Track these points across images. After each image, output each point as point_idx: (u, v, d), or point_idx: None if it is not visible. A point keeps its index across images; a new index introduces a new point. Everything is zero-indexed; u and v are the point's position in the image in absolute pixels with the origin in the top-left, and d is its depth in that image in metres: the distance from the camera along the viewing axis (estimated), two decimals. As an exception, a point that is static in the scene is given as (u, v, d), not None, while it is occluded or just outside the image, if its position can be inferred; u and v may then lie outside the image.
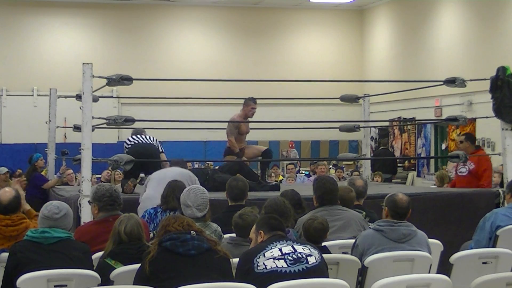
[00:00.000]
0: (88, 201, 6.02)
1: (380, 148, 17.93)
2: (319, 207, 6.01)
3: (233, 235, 5.35)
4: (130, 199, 7.54)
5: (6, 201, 5.74)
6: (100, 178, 12.64)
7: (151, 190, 7.23)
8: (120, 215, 5.51)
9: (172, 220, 4.55)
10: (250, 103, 9.67)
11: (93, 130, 7.73)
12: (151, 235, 5.96)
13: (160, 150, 8.93)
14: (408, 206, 5.37)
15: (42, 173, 11.42)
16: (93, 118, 7.61)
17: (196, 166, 15.67)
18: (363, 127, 11.16)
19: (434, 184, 12.28)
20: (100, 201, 5.64)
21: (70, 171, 12.41)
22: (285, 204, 5.82)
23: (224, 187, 6.69)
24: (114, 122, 7.92)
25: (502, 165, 9.33)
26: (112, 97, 18.25)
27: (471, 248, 6.23)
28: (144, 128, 12.08)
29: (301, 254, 4.42)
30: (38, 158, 11.47)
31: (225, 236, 5.51)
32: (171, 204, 6.25)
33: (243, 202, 6.48)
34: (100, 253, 4.99)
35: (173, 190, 6.31)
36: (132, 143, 8.79)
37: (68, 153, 11.15)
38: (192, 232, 4.44)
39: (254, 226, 4.77)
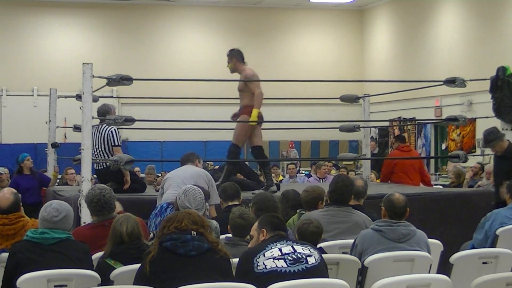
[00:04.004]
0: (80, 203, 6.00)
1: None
2: (329, 205, 6.01)
3: (229, 235, 5.34)
4: (130, 199, 7.54)
5: (5, 203, 5.75)
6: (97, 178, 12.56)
7: (171, 194, 7.06)
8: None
9: (170, 221, 4.52)
10: None
11: (93, 130, 7.74)
12: (151, 235, 5.96)
13: (114, 143, 8.35)
14: (405, 206, 5.36)
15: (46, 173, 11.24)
16: (93, 118, 7.61)
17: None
18: (363, 127, 11.16)
19: (452, 182, 12.22)
20: (90, 206, 5.66)
21: (72, 170, 12.36)
22: (273, 199, 5.92)
23: (225, 187, 6.71)
24: (114, 122, 7.91)
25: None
26: (112, 97, 18.25)
27: (471, 247, 6.25)
28: (144, 128, 12.09)
29: (301, 254, 4.43)
30: (24, 158, 10.88)
31: (222, 236, 5.50)
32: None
33: (239, 201, 6.49)
34: (100, 253, 4.99)
35: None
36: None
37: (59, 145, 10.97)
38: (192, 232, 4.43)
39: (256, 224, 4.76)
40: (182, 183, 6.72)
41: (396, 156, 10.84)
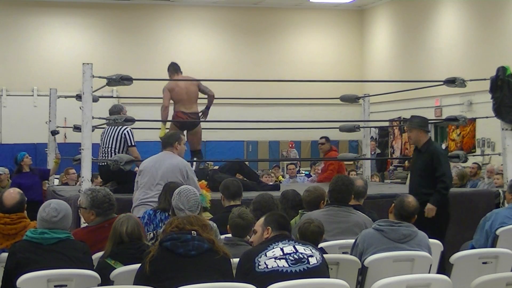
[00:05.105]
0: (79, 207, 5.97)
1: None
2: (329, 205, 6.01)
3: (229, 235, 5.34)
4: (130, 199, 7.53)
5: (11, 202, 5.75)
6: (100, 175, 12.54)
7: (139, 196, 7.16)
8: (115, 217, 5.51)
9: (168, 224, 4.55)
10: None
11: (93, 130, 7.74)
12: (151, 234, 5.97)
13: (130, 144, 8.48)
14: (413, 212, 5.34)
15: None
16: (93, 118, 7.61)
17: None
18: (363, 127, 11.17)
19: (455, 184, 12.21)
20: (100, 208, 5.61)
21: (73, 170, 12.35)
22: (273, 200, 5.93)
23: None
24: (114, 122, 7.93)
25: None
26: (112, 97, 18.23)
27: (471, 248, 6.24)
28: (144, 128, 12.10)
29: (303, 254, 4.43)
30: (23, 156, 10.87)
31: (222, 236, 5.49)
32: (162, 205, 6.24)
33: (240, 201, 6.48)
34: (100, 253, 4.99)
35: (165, 192, 6.28)
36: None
37: (59, 132, 11.01)
38: (192, 232, 4.43)
39: (262, 220, 4.75)
40: (153, 182, 6.94)
41: (333, 156, 11.31)
